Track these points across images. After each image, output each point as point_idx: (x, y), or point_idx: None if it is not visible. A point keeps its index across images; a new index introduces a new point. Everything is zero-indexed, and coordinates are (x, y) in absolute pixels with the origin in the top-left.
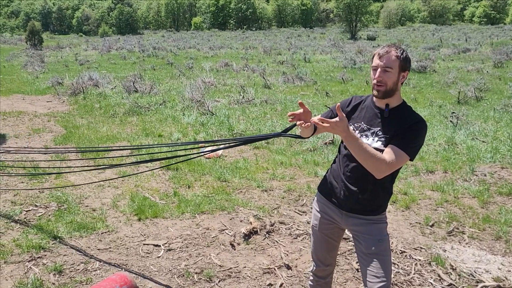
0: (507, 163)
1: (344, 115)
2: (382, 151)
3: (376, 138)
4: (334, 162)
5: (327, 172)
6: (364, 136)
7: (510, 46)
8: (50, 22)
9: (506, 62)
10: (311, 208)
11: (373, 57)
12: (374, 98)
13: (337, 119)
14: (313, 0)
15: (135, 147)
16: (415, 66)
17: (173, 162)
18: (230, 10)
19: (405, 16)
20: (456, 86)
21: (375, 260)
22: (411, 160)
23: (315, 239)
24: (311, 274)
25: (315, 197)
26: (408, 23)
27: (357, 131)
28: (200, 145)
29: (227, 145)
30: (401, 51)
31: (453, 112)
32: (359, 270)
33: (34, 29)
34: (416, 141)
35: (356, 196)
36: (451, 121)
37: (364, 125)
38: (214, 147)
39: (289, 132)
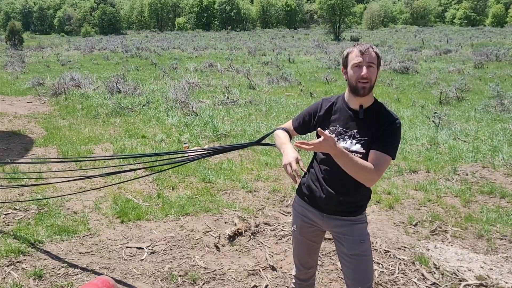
0: (488, 162)
1: (329, 135)
2: (361, 153)
3: (354, 141)
4: (311, 166)
5: (304, 176)
6: (341, 140)
7: (490, 48)
8: (31, 21)
9: (486, 63)
10: None
11: (348, 55)
12: (347, 99)
13: (320, 139)
14: (297, 1)
15: (122, 156)
16: (398, 67)
17: (159, 169)
18: (214, 11)
19: (388, 18)
20: (438, 86)
21: (357, 261)
22: (393, 159)
23: (296, 243)
24: (294, 277)
25: (294, 201)
26: (390, 24)
27: (333, 135)
28: (184, 146)
29: (204, 153)
30: (376, 48)
31: (435, 113)
32: None
33: (14, 29)
34: (396, 141)
35: (337, 199)
36: (433, 121)
37: (340, 128)
38: (198, 149)
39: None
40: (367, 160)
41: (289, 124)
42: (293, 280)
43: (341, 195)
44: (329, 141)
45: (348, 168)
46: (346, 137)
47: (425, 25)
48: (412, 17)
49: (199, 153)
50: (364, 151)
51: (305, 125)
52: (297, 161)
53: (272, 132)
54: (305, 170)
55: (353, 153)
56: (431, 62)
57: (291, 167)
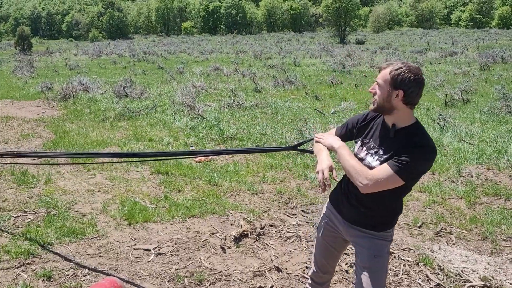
0: (493, 164)
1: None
2: None
3: (377, 157)
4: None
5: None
6: (369, 155)
7: (495, 49)
8: (40, 27)
9: (492, 65)
10: (302, 211)
11: None
12: (385, 116)
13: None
14: (303, 4)
15: (126, 153)
16: None
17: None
18: (220, 15)
19: (393, 20)
20: (443, 89)
21: (367, 274)
22: (407, 184)
23: (317, 244)
24: (309, 277)
25: (326, 203)
26: (396, 27)
27: (364, 148)
28: (190, 149)
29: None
30: (397, 68)
31: (440, 115)
32: (348, 272)
33: (23, 34)
34: (414, 164)
35: (358, 209)
36: (438, 123)
37: (372, 143)
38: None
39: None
40: None
41: (332, 132)
42: (308, 281)
43: (362, 206)
44: (326, 138)
45: (345, 167)
46: (373, 152)
47: (431, 28)
48: (418, 20)
49: (230, 150)
50: None
51: (347, 132)
52: (330, 169)
53: (312, 139)
54: (337, 180)
55: (371, 169)
56: (437, 64)
57: (323, 175)
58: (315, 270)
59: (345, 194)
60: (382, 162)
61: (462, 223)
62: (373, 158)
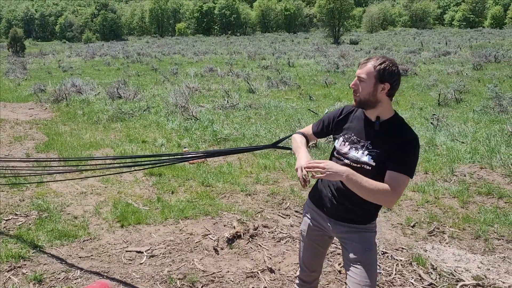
0: (486, 163)
1: (321, 161)
2: (371, 166)
3: (366, 152)
4: None
5: (317, 180)
6: (353, 149)
7: (488, 49)
8: (33, 28)
9: (485, 64)
10: (295, 211)
11: None
12: (367, 110)
13: (325, 164)
14: (297, 5)
15: (121, 157)
16: None
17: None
18: (214, 16)
19: (387, 21)
20: (436, 88)
21: (360, 268)
22: (411, 178)
23: (303, 245)
24: (297, 277)
25: (306, 203)
26: (389, 27)
27: (347, 142)
28: (184, 150)
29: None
30: (381, 62)
31: (434, 114)
32: (341, 272)
33: (16, 36)
34: (413, 159)
35: (345, 206)
36: (431, 123)
37: (354, 136)
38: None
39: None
40: (377, 174)
41: (308, 129)
42: (297, 281)
43: (350, 202)
44: (330, 166)
45: (362, 193)
46: (359, 146)
47: (424, 28)
48: (411, 20)
49: (210, 153)
50: (374, 164)
51: (323, 129)
52: None
53: (290, 136)
54: (316, 176)
55: (363, 165)
56: (430, 64)
57: (302, 171)
58: (304, 270)
59: (329, 192)
60: (373, 157)
61: (455, 222)
62: (361, 152)
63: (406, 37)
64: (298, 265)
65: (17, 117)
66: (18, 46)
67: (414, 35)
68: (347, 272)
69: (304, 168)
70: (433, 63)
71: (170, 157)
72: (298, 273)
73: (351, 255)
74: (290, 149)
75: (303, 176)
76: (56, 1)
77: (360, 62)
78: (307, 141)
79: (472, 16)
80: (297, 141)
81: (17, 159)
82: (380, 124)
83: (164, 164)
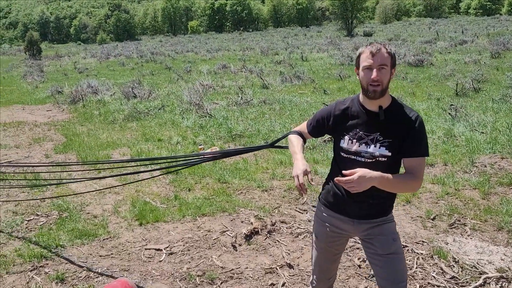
0: (506, 153)
1: (355, 170)
2: (387, 157)
3: (378, 144)
4: (334, 171)
5: (326, 182)
6: (363, 144)
7: (507, 37)
8: (48, 31)
9: (503, 52)
10: (312, 206)
11: (360, 56)
12: (363, 101)
13: (357, 174)
14: None
15: (139, 159)
16: (412, 60)
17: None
18: (226, 13)
19: (401, 11)
20: (453, 78)
21: (391, 260)
22: (428, 156)
23: (320, 252)
24: (312, 286)
25: (317, 210)
26: (404, 17)
27: (354, 140)
28: (199, 148)
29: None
30: (390, 48)
31: (452, 105)
32: (361, 267)
33: (32, 39)
34: (425, 138)
35: (367, 202)
36: (449, 113)
37: (361, 132)
38: (214, 151)
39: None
40: (392, 163)
41: (303, 127)
42: None
43: (370, 198)
44: (363, 174)
45: (394, 189)
46: (369, 141)
47: (439, 17)
48: (426, 9)
49: (213, 155)
50: (389, 154)
51: (319, 128)
52: (306, 174)
53: (286, 135)
54: (313, 184)
55: (378, 157)
56: (447, 54)
57: (298, 180)
58: (320, 278)
59: (347, 193)
60: (387, 147)
61: (476, 214)
62: (373, 146)
63: (421, 27)
64: (313, 272)
65: (36, 119)
66: (34, 49)
67: (429, 24)
68: (376, 266)
69: (339, 182)
70: (449, 52)
71: (177, 160)
72: (312, 282)
73: (381, 249)
74: (287, 147)
75: (300, 186)
76: (70, 3)
77: (368, 51)
78: (304, 140)
79: (488, 3)
80: (294, 144)
81: (45, 164)
82: (384, 113)
83: (178, 168)
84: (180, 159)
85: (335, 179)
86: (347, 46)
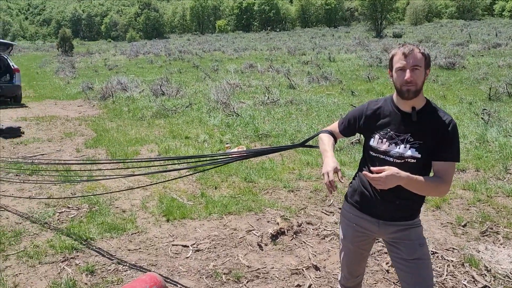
0: None
1: (385, 168)
2: (416, 158)
3: (408, 145)
4: (360, 169)
5: (353, 181)
6: (393, 144)
7: None
8: (80, 29)
9: None
10: (339, 208)
11: (393, 57)
12: (397, 101)
13: (385, 173)
14: None
15: (166, 158)
16: (444, 62)
17: (202, 169)
18: (254, 12)
19: (432, 12)
20: (486, 82)
21: (417, 265)
22: (459, 162)
23: (347, 252)
24: (340, 285)
25: (343, 209)
26: (435, 19)
27: (384, 139)
28: (226, 146)
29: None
30: (423, 48)
31: (484, 109)
32: (389, 272)
33: (65, 36)
34: (458, 143)
35: (394, 203)
36: (482, 118)
37: (392, 132)
38: (240, 150)
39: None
40: (422, 166)
41: (334, 126)
42: (339, 287)
43: (398, 198)
44: (391, 173)
45: (420, 191)
46: (399, 141)
47: (472, 19)
48: (458, 11)
49: (241, 154)
50: (419, 156)
51: (350, 128)
52: (336, 171)
53: (317, 134)
54: (343, 182)
55: (407, 159)
56: (479, 57)
57: (328, 177)
58: (348, 278)
59: (375, 193)
60: (417, 149)
61: (510, 222)
62: (403, 146)
63: (453, 29)
64: (341, 271)
65: (67, 114)
66: (67, 45)
67: (462, 27)
68: (402, 271)
69: (366, 176)
70: (482, 55)
71: (202, 160)
72: (341, 281)
73: (406, 253)
74: (318, 147)
75: (330, 183)
76: (102, 1)
77: (401, 52)
78: (335, 139)
79: None
80: (324, 143)
81: (82, 162)
82: (417, 114)
83: (207, 168)
84: (217, 157)
85: (363, 172)
86: (376, 47)
